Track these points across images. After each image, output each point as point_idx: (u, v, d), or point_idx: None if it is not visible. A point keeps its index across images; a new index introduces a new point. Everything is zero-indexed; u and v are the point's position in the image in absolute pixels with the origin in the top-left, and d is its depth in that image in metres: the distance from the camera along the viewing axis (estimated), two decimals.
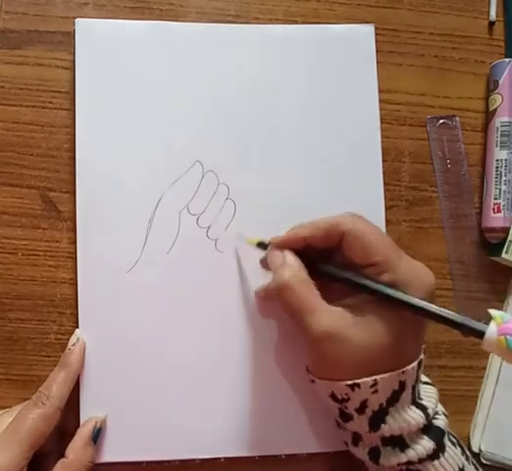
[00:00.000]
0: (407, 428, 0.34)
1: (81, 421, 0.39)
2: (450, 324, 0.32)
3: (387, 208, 0.44)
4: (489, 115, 0.45)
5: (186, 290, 0.41)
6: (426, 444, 0.34)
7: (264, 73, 0.43)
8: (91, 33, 0.42)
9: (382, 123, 0.44)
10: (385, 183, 0.44)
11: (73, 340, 0.39)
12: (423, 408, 0.35)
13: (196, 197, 0.42)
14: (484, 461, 0.43)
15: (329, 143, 0.43)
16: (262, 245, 0.39)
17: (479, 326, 0.31)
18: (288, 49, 0.44)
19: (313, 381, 0.36)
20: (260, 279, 0.40)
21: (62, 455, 0.37)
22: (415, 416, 0.34)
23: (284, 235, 0.37)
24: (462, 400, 0.44)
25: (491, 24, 0.47)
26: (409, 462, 0.34)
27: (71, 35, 0.42)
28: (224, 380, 0.40)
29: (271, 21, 0.45)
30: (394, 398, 0.34)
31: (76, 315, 0.40)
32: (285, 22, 0.45)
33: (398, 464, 0.34)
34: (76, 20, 0.42)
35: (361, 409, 0.34)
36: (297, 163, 0.43)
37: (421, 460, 0.34)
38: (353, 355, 0.33)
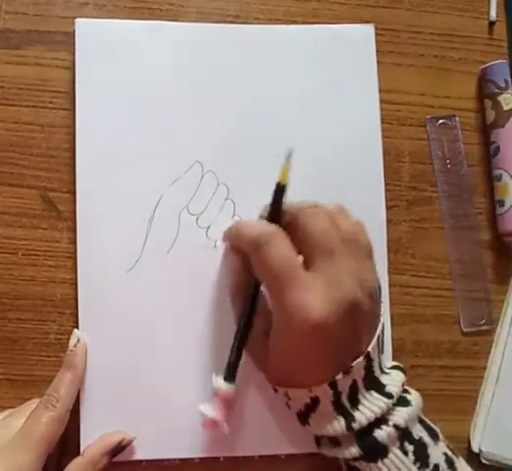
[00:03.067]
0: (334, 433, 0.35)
1: (81, 421, 0.39)
2: None
3: (387, 208, 0.44)
4: (505, 114, 0.45)
5: (186, 290, 0.41)
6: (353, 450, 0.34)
7: (264, 73, 0.43)
8: (91, 33, 0.42)
9: (382, 123, 0.44)
10: (386, 183, 0.44)
11: (73, 340, 0.39)
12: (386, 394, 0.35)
13: (196, 197, 0.42)
14: (484, 461, 0.43)
15: (329, 143, 0.43)
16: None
17: None
18: (288, 49, 0.44)
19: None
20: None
21: (62, 455, 0.37)
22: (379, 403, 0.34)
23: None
24: (462, 400, 0.44)
25: (491, 24, 0.47)
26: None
27: (71, 35, 0.42)
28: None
29: (271, 21, 0.45)
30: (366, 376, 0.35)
31: (76, 315, 0.40)
32: (285, 22, 0.45)
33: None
34: (77, 19, 0.42)
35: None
36: (297, 163, 0.43)
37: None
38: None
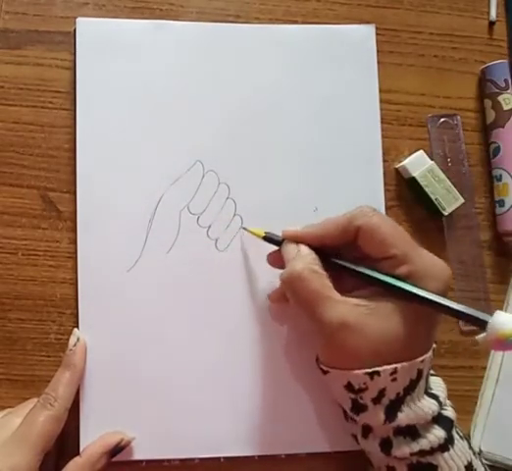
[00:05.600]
0: (422, 416, 0.34)
1: (81, 421, 0.39)
2: (459, 316, 0.33)
3: (387, 208, 0.44)
4: (505, 114, 0.45)
5: (186, 290, 0.41)
6: (438, 434, 0.34)
7: (264, 73, 0.43)
8: (92, 33, 0.42)
9: (382, 123, 0.44)
10: (385, 183, 0.44)
11: (73, 340, 0.39)
12: (435, 397, 0.35)
13: (197, 197, 0.42)
14: (484, 461, 0.43)
15: (329, 143, 0.43)
16: (269, 239, 0.38)
17: (482, 315, 0.32)
18: (288, 49, 0.44)
19: (326, 372, 0.36)
20: (263, 277, 0.40)
21: (61, 454, 0.37)
22: (429, 405, 0.34)
23: (299, 231, 0.37)
24: (462, 400, 0.44)
25: (491, 24, 0.47)
26: (421, 452, 0.34)
27: (71, 35, 0.42)
28: (223, 380, 0.40)
29: (271, 21, 0.45)
30: (411, 387, 0.34)
31: (76, 315, 0.40)
32: (285, 22, 0.45)
33: (411, 454, 0.34)
34: (77, 19, 0.42)
35: (378, 399, 0.34)
36: (298, 163, 0.43)
37: (433, 450, 0.34)
38: (369, 344, 0.33)
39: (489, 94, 0.46)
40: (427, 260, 0.34)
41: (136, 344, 0.40)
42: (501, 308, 0.45)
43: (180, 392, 0.40)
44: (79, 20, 0.42)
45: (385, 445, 0.35)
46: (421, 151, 0.44)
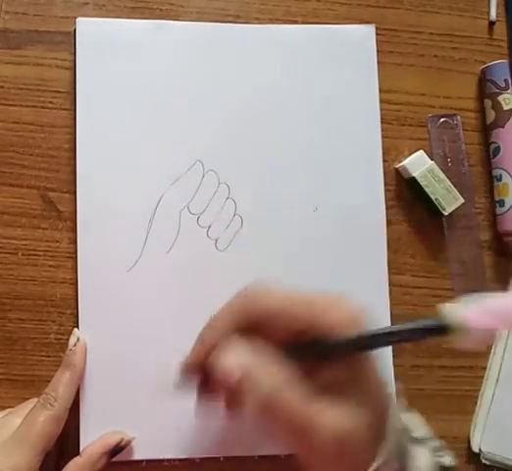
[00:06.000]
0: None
1: (81, 421, 0.39)
2: (410, 335, 0.29)
3: (387, 208, 0.44)
4: (505, 114, 0.45)
5: (186, 290, 0.41)
6: None
7: (264, 72, 0.43)
8: (92, 33, 0.42)
9: (382, 123, 0.44)
10: (386, 183, 0.44)
11: (73, 340, 0.39)
12: (422, 441, 0.33)
13: (197, 197, 0.42)
14: (484, 461, 0.43)
15: (329, 143, 0.43)
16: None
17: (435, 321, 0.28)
18: (288, 49, 0.44)
19: None
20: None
21: (61, 454, 0.37)
22: (425, 458, 0.31)
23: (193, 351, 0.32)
24: (462, 400, 0.44)
25: (491, 24, 0.47)
26: None
27: (71, 35, 0.42)
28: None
29: (271, 21, 0.45)
30: (404, 451, 0.30)
31: (76, 315, 0.40)
32: (285, 22, 0.45)
33: None
34: (78, 19, 0.42)
35: None
36: (297, 163, 0.43)
37: None
38: (365, 442, 0.28)
39: (489, 94, 0.46)
40: (335, 311, 0.29)
41: (136, 344, 0.40)
42: None
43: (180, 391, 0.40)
44: (79, 20, 0.42)
45: None
46: (421, 151, 0.44)
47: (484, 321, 0.27)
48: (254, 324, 0.30)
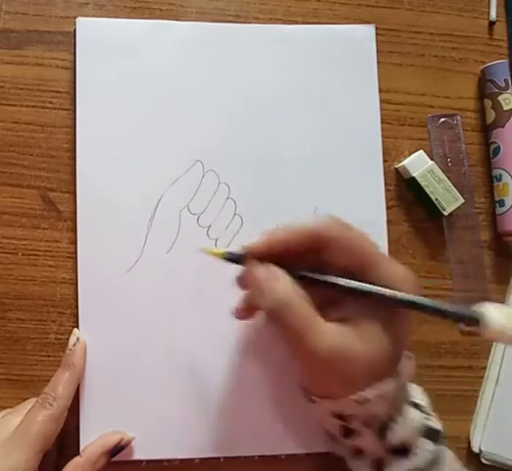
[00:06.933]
0: (411, 430, 0.33)
1: (81, 421, 0.39)
2: (443, 315, 0.32)
3: (387, 208, 0.44)
4: (505, 114, 0.45)
5: (186, 290, 0.41)
6: (429, 448, 0.33)
7: (264, 73, 0.43)
8: (92, 33, 0.42)
9: (382, 123, 0.44)
10: (386, 183, 0.44)
11: (72, 340, 0.39)
12: (417, 407, 0.34)
13: (197, 197, 0.42)
14: (484, 461, 0.43)
15: (329, 143, 0.43)
16: (231, 259, 0.35)
17: (471, 312, 0.32)
18: (288, 49, 0.44)
19: (313, 401, 0.35)
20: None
21: (61, 454, 0.37)
22: (414, 416, 0.34)
23: (259, 239, 0.34)
24: (462, 400, 0.44)
25: (491, 24, 0.47)
26: (416, 469, 0.33)
27: (71, 35, 0.42)
28: (223, 379, 0.40)
29: (271, 21, 0.45)
30: (398, 403, 0.33)
31: (76, 315, 0.40)
32: (285, 22, 0.45)
33: None
34: (78, 19, 0.42)
35: (369, 422, 0.33)
36: (298, 162, 0.43)
37: (426, 466, 0.33)
38: (360, 368, 0.32)
39: (489, 94, 0.46)
40: (394, 270, 0.33)
41: (136, 344, 0.40)
42: None
43: (180, 391, 0.40)
44: (79, 20, 0.42)
45: (378, 466, 0.34)
46: (421, 151, 0.44)
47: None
48: (316, 247, 0.33)
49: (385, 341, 0.32)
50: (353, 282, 0.33)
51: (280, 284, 0.33)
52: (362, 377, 0.32)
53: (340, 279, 0.33)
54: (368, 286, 0.33)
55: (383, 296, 0.32)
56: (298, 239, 0.33)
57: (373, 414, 0.33)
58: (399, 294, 0.32)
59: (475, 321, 0.31)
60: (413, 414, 0.34)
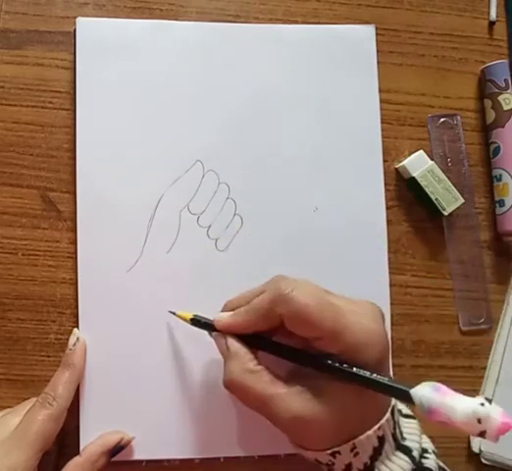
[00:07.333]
0: None
1: (81, 420, 0.39)
2: (381, 389, 0.32)
3: (387, 208, 0.44)
4: (505, 114, 0.45)
5: (186, 290, 0.41)
6: None
7: (264, 72, 0.43)
8: (92, 32, 0.42)
9: (382, 123, 0.44)
10: (386, 183, 0.44)
11: (72, 339, 0.39)
12: (407, 451, 0.34)
13: (197, 197, 0.42)
14: (484, 461, 0.43)
15: (329, 143, 0.43)
16: (198, 324, 0.37)
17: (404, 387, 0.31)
18: (288, 49, 0.44)
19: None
20: (263, 277, 0.40)
21: (61, 454, 0.37)
22: (401, 463, 0.33)
23: (227, 321, 0.35)
24: None
25: (491, 24, 0.47)
26: None
27: (71, 35, 0.42)
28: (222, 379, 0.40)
29: (271, 21, 0.45)
30: (377, 453, 0.33)
31: (76, 315, 0.40)
32: (285, 22, 0.45)
33: None
34: (78, 19, 0.42)
35: (350, 468, 0.33)
36: (298, 163, 0.43)
37: None
38: (326, 427, 0.32)
39: (489, 94, 0.46)
40: (358, 330, 0.32)
41: (136, 344, 0.40)
42: (501, 308, 0.45)
43: (180, 391, 0.40)
44: (79, 20, 0.42)
45: None
46: (421, 151, 0.44)
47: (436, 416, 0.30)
48: (275, 322, 0.34)
49: (351, 404, 0.32)
50: (305, 354, 0.34)
51: (233, 360, 0.34)
52: (332, 433, 0.32)
53: (299, 351, 0.34)
54: (320, 357, 0.33)
55: (334, 369, 0.32)
56: (256, 321, 0.34)
57: (349, 465, 0.33)
58: (349, 368, 0.32)
59: (409, 400, 0.31)
60: (399, 460, 0.33)
